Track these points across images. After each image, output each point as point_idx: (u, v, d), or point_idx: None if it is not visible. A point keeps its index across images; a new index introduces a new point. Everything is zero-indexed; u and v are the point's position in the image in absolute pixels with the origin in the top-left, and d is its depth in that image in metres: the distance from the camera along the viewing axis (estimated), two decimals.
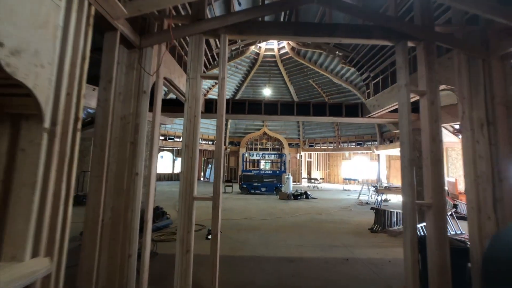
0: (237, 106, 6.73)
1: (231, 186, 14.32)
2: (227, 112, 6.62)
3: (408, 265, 2.90)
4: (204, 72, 4.40)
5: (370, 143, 18.30)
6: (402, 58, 3.15)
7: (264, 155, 17.40)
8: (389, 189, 10.07)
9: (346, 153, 23.22)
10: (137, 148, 3.02)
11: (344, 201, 11.98)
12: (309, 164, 23.32)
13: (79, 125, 2.12)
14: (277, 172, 13.77)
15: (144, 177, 3.06)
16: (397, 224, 6.87)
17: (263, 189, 13.58)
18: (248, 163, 21.06)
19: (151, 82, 3.23)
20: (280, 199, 11.98)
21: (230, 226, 6.72)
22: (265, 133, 22.05)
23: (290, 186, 12.58)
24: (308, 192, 12.58)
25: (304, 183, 20.77)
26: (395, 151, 17.01)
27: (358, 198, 12.94)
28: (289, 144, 21.89)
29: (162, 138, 18.91)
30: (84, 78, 2.17)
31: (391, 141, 16.22)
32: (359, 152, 21.94)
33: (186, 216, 2.94)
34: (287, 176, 12.60)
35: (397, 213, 6.92)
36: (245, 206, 9.99)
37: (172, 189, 15.20)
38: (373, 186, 11.31)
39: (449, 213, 6.28)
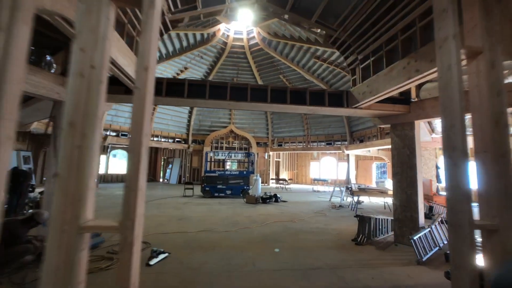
0: (196, 88, 5.23)
1: (192, 189, 12.63)
2: (160, 94, 5.04)
3: None
4: None
5: (340, 142, 17.90)
6: None
7: (230, 154, 15.97)
8: (364, 191, 9.34)
9: (315, 153, 22.78)
10: None
11: (316, 204, 11.07)
12: (277, 164, 22.42)
13: None
14: (244, 172, 12.43)
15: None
16: (382, 233, 5.96)
17: (228, 192, 12.13)
18: (213, 163, 19.42)
19: None
20: (247, 203, 10.66)
21: (184, 244, 5.19)
22: (232, 131, 20.61)
23: (259, 188, 11.33)
24: (278, 195, 11.45)
25: (272, 184, 19.76)
26: (366, 151, 16.78)
27: (330, 200, 12.17)
28: (257, 143, 20.74)
29: (113, 134, 16.48)
30: None
31: (361, 141, 15.88)
32: (327, 152, 21.61)
33: (63, 265, 1.43)
34: (255, 177, 11.33)
35: (382, 220, 6.02)
36: (206, 213, 8.47)
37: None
38: (348, 188, 10.56)
39: (439, 219, 5.50)
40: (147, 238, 5.33)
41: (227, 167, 22.44)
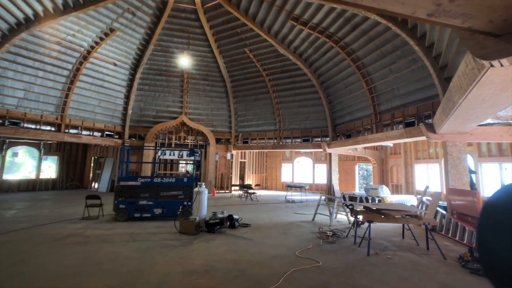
0: None
1: (100, 206, 7.81)
2: None
3: None
4: None
5: (319, 139, 14.17)
6: None
7: (169, 152, 11.36)
8: (380, 213, 5.42)
9: (287, 152, 18.98)
10: None
11: (295, 228, 7.02)
12: (242, 166, 18.17)
13: None
14: (185, 180, 7.94)
15: None
16: None
17: (158, 211, 7.57)
18: (157, 166, 14.52)
19: None
20: (182, 233, 6.25)
21: None
22: (183, 124, 15.90)
23: (204, 206, 6.95)
24: (235, 216, 7.17)
25: (235, 192, 15.44)
26: (352, 150, 13.23)
27: (313, 219, 8.24)
28: (217, 140, 16.29)
29: None
30: None
31: (348, 136, 12.26)
32: (302, 151, 17.90)
33: None
34: (197, 188, 6.95)
35: None
36: (66, 277, 3.89)
37: (15, 213, 7.59)
38: (346, 205, 6.63)
39: None
40: None
41: (179, 170, 17.64)
